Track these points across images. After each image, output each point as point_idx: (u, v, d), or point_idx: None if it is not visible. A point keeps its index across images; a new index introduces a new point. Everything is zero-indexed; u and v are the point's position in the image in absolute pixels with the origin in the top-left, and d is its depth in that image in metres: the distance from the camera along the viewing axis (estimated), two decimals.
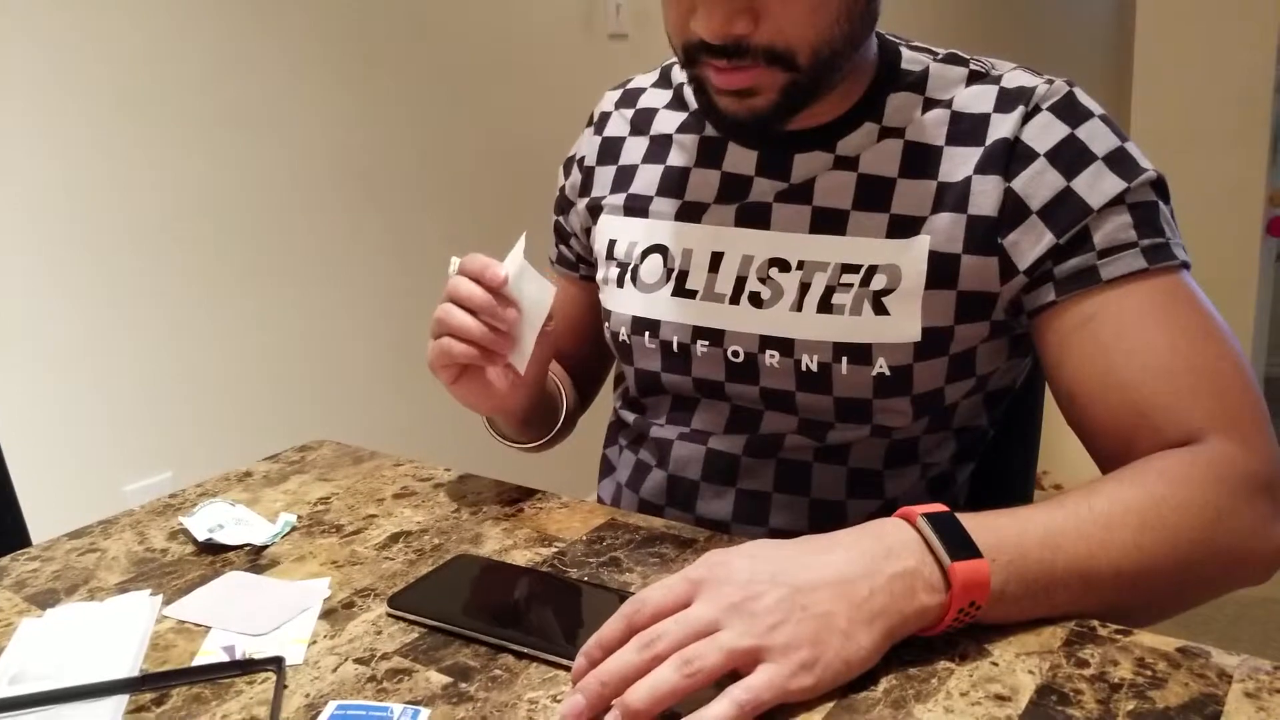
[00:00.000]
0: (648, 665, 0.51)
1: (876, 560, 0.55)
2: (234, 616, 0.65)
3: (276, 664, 0.59)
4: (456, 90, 1.97)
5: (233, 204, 1.67)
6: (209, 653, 0.61)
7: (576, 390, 1.02)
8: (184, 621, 0.65)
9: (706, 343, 0.82)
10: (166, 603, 0.67)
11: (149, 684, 0.58)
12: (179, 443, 1.64)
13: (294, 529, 0.78)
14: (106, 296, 1.54)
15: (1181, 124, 2.19)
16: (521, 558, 0.70)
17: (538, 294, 0.75)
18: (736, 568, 0.55)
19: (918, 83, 0.78)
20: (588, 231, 0.94)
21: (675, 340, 0.83)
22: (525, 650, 0.58)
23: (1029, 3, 3.62)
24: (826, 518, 0.81)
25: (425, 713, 0.54)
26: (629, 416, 0.91)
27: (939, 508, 0.58)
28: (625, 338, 0.87)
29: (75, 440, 1.53)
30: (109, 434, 1.56)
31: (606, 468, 0.95)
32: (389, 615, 0.64)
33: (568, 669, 0.56)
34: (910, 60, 0.80)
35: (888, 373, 0.76)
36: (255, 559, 0.73)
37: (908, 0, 2.71)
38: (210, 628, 0.64)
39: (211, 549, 0.75)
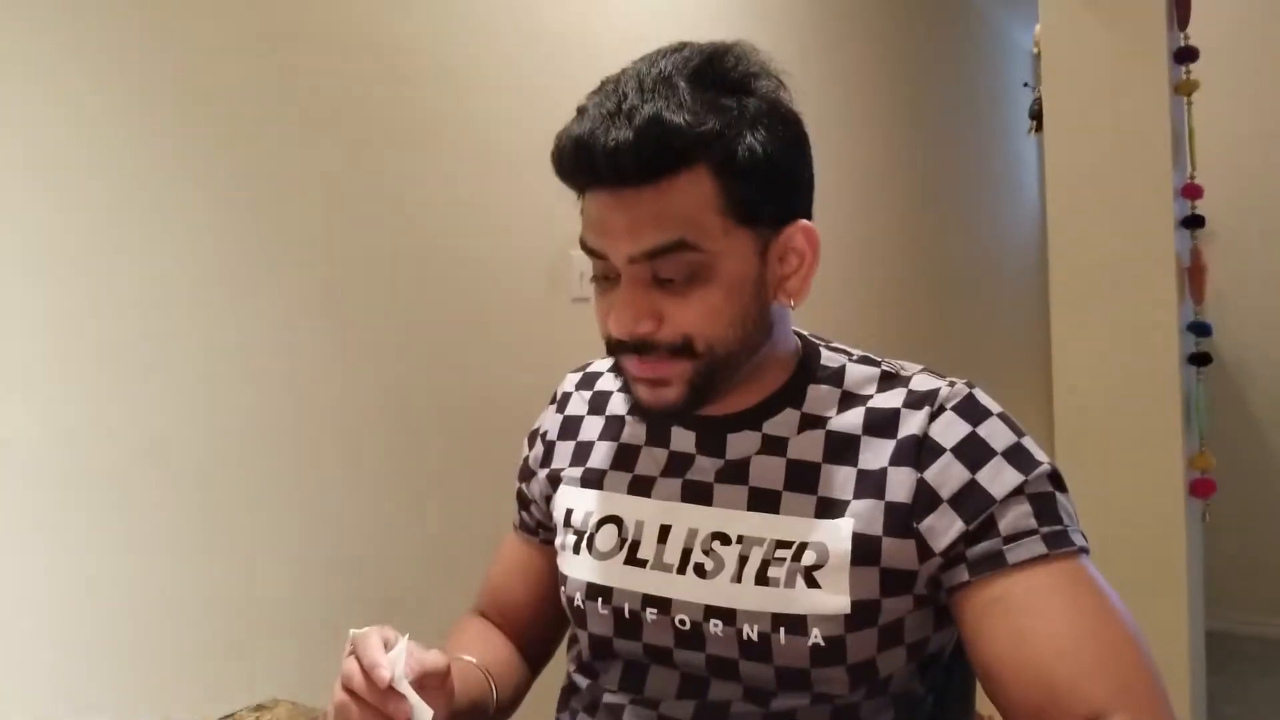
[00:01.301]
0: None
1: None
2: None
3: None
4: (422, 346, 2.09)
5: (189, 453, 1.72)
6: None
7: (529, 655, 1.06)
8: None
9: (655, 610, 0.87)
10: None
11: None
12: (118, 684, 1.60)
13: None
14: (43, 508, 1.56)
15: (1101, 398, 2.36)
16: None
17: (418, 705, 0.77)
18: None
19: (835, 378, 0.89)
20: (547, 499, 1.01)
21: (626, 607, 0.89)
22: None
23: (956, 307, 3.95)
24: None
25: None
26: (582, 681, 0.94)
27: None
28: (580, 603, 0.92)
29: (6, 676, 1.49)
30: (46, 671, 1.53)
31: None
32: None
33: None
34: (828, 358, 0.91)
35: (822, 643, 0.82)
36: None
37: (834, 298, 2.98)
38: None
39: None
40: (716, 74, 0.81)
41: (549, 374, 1.09)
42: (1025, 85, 3.77)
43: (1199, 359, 2.35)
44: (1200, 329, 2.33)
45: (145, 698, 1.63)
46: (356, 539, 1.96)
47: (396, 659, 0.78)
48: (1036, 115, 2.58)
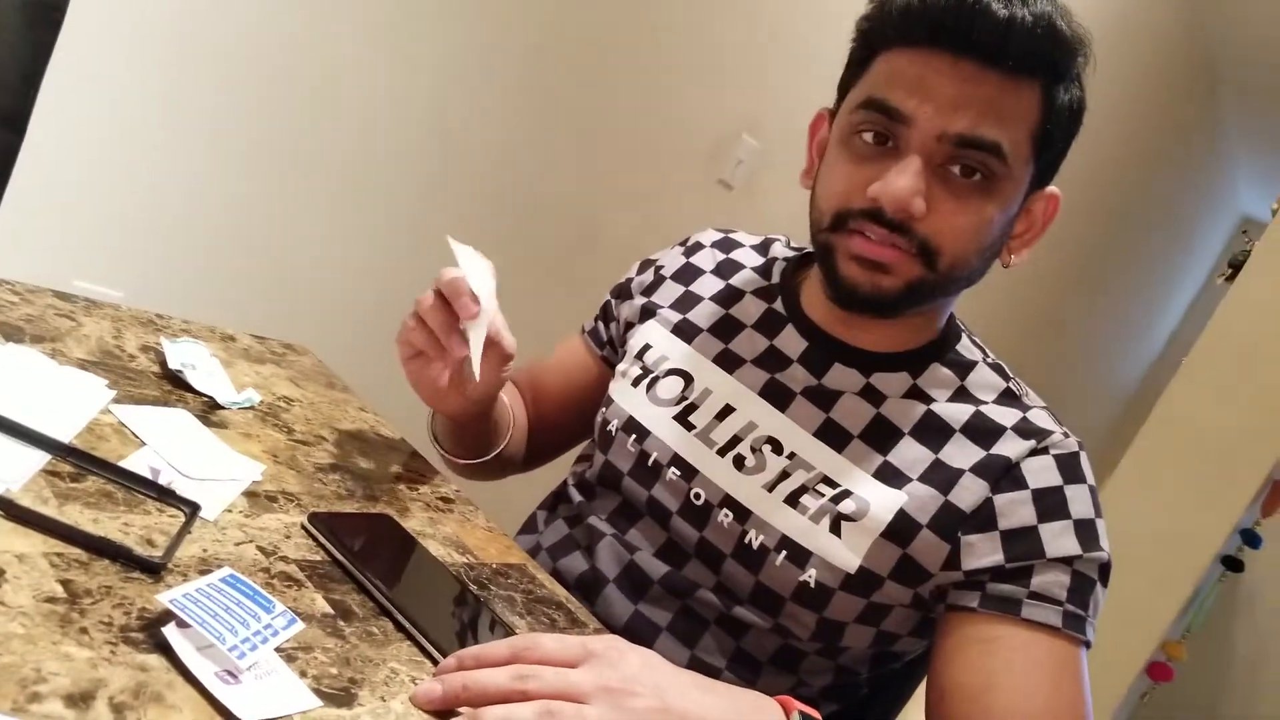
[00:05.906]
0: (513, 696, 0.54)
1: None
2: (172, 447, 0.66)
3: (192, 508, 0.60)
4: (570, 208, 2.04)
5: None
6: (135, 466, 0.62)
7: (529, 448, 1.05)
8: (125, 425, 0.66)
9: (679, 472, 0.86)
10: (115, 402, 0.68)
11: (75, 457, 0.59)
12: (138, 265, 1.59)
13: (253, 408, 0.79)
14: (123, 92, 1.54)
15: (1123, 539, 2.32)
16: (436, 550, 0.72)
17: (475, 354, 0.77)
18: (630, 661, 0.58)
19: (962, 369, 0.86)
20: (629, 325, 0.98)
21: (654, 456, 0.87)
22: (406, 625, 0.60)
23: (1066, 354, 3.85)
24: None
25: (300, 626, 0.55)
26: (575, 496, 0.93)
27: (813, 712, 0.62)
28: (613, 429, 0.90)
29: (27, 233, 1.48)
30: (63, 237, 1.52)
31: (530, 525, 0.97)
32: (303, 528, 0.65)
33: (435, 661, 0.58)
34: (966, 348, 0.88)
35: (812, 584, 0.80)
36: (208, 412, 0.74)
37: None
38: (145, 444, 0.65)
39: (176, 381, 0.76)
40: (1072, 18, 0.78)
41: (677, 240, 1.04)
42: (1244, 233, 3.62)
43: (1232, 562, 2.29)
44: (1250, 537, 2.27)
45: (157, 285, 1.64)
46: (429, 241, 1.94)
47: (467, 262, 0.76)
48: (1237, 265, 2.48)
